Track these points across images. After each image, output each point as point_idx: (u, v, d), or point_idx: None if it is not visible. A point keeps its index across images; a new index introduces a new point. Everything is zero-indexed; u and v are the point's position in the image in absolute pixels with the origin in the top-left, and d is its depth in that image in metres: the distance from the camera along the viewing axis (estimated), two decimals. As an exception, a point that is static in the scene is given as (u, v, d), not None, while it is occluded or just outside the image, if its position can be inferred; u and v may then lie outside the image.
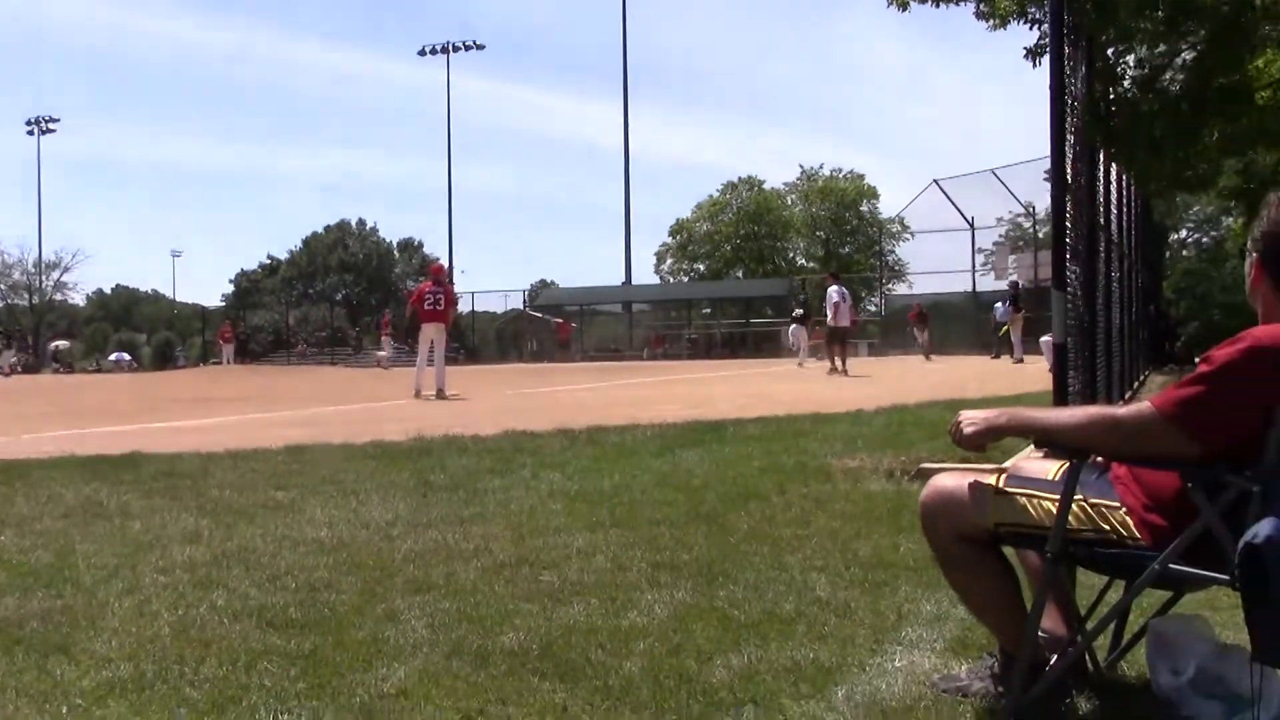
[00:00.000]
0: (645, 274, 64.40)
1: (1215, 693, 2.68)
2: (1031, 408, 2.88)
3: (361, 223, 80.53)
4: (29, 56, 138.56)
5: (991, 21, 9.80)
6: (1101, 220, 9.00)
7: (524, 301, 54.74)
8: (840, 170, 64.61)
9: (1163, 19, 7.89)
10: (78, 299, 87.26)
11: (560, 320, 50.11)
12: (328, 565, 4.54)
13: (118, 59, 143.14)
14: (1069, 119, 5.42)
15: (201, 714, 2.84)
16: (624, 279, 56.40)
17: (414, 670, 3.14)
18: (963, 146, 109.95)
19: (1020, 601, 2.85)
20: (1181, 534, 2.51)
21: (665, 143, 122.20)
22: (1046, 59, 5.54)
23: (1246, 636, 2.42)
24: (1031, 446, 2.79)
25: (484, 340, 52.25)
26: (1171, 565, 2.52)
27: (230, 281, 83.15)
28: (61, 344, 60.54)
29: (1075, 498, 2.65)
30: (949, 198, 38.89)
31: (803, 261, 62.81)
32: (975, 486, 2.80)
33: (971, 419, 2.74)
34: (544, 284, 68.84)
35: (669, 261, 66.24)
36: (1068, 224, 5.33)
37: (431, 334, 17.28)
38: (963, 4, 9.56)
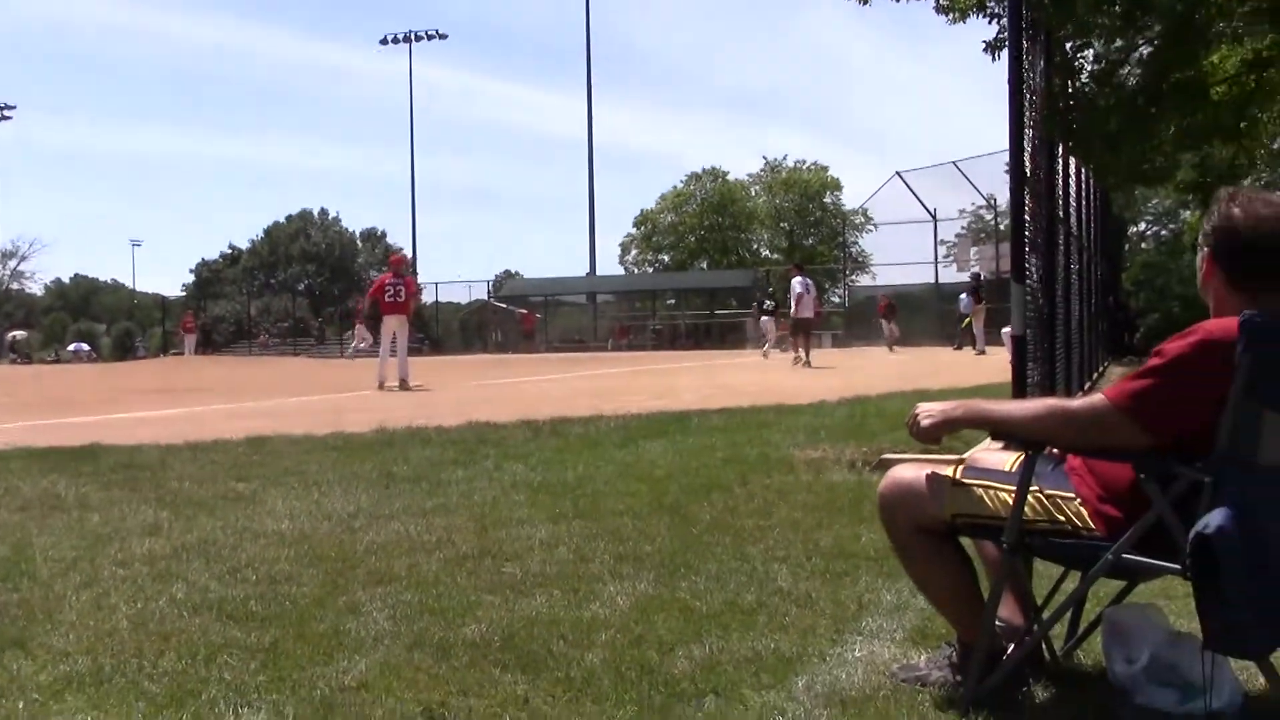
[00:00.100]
0: (610, 265, 64.30)
1: (1169, 680, 2.72)
2: (988, 400, 2.91)
3: (324, 212, 79.87)
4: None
5: (951, 15, 9.85)
6: (1061, 213, 9.08)
7: (488, 292, 54.46)
8: (804, 162, 64.79)
9: (1119, 14, 7.97)
10: (36, 289, 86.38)
11: (524, 311, 49.98)
12: (289, 557, 4.51)
13: (75, 47, 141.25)
14: (1027, 113, 5.46)
15: (160, 708, 2.81)
16: (588, 270, 56.39)
17: (375, 662, 3.13)
18: (926, 139, 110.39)
19: (977, 591, 2.88)
20: (1135, 524, 2.55)
21: (629, 133, 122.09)
22: (1005, 53, 5.57)
23: (1199, 625, 2.47)
24: (990, 438, 2.82)
25: (448, 331, 51.98)
26: (1125, 555, 2.56)
27: (191, 271, 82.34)
28: (19, 334, 59.60)
29: (1031, 489, 2.69)
30: (911, 190, 39.13)
31: (767, 253, 62.96)
32: (933, 478, 2.83)
33: (928, 412, 2.78)
34: (508, 275, 68.70)
35: (633, 252, 66.24)
36: (1027, 217, 5.39)
37: (393, 325, 17.22)
38: (922, -2, 9.62)
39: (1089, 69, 8.87)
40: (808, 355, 22.08)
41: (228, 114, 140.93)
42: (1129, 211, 37.02)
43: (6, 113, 73.01)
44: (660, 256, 65.17)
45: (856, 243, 52.74)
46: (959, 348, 28.81)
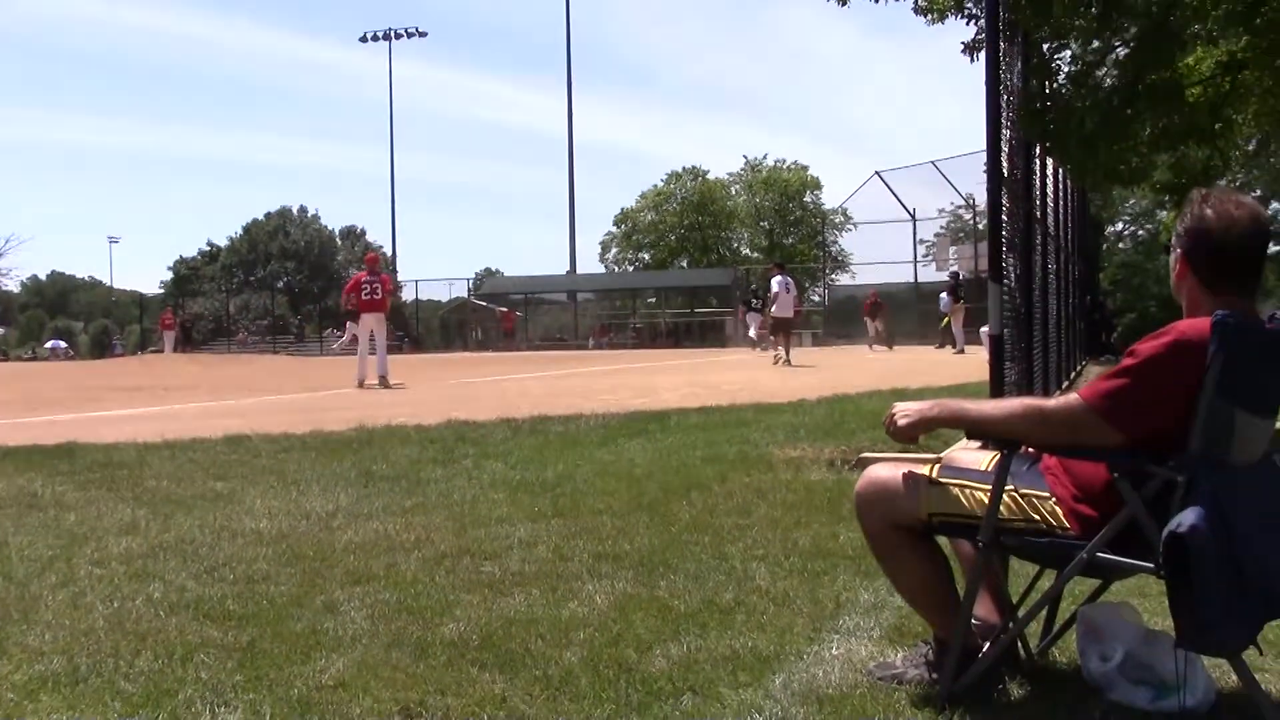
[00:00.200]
0: (590, 263, 64.29)
1: (1143, 678, 2.75)
2: (964, 399, 2.93)
3: (303, 210, 79.53)
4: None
5: (930, 16, 9.88)
6: (1038, 213, 9.14)
7: (468, 290, 54.34)
8: (784, 161, 64.82)
9: (1095, 16, 8.01)
10: (12, 285, 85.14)
11: (505, 309, 49.90)
12: (267, 557, 4.50)
13: (52, 41, 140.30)
14: (1005, 114, 5.49)
15: (136, 708, 2.81)
16: (569, 268, 56.27)
17: (353, 662, 3.13)
18: (905, 139, 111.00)
19: (953, 590, 2.90)
20: (1109, 523, 2.57)
21: (610, 131, 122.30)
22: (984, 54, 5.60)
23: (1173, 623, 2.49)
24: (966, 438, 2.84)
25: (428, 329, 51.89)
26: (1099, 554, 2.59)
27: (169, 268, 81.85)
28: (-6, 331, 59.26)
29: (1007, 488, 2.71)
30: (891, 189, 39.29)
31: (747, 251, 62.99)
32: (909, 477, 2.85)
33: (905, 411, 2.80)
34: (488, 273, 68.58)
35: (614, 251, 66.14)
36: (1004, 217, 5.42)
37: (371, 323, 17.16)
38: (900, -1, 9.63)
39: (1066, 70, 8.92)
40: (788, 354, 22.12)
41: (207, 110, 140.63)
42: (1106, 212, 37.30)
43: (-18, 108, 72.53)
44: (641, 255, 65.13)
45: (836, 242, 52.86)
46: (941, 346, 28.93)
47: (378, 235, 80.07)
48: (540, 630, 3.41)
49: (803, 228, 62.35)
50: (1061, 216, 13.25)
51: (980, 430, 2.75)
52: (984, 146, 5.13)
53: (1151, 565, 2.50)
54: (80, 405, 14.35)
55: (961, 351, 25.14)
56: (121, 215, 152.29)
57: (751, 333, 29.02)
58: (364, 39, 64.65)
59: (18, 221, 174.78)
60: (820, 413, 10.08)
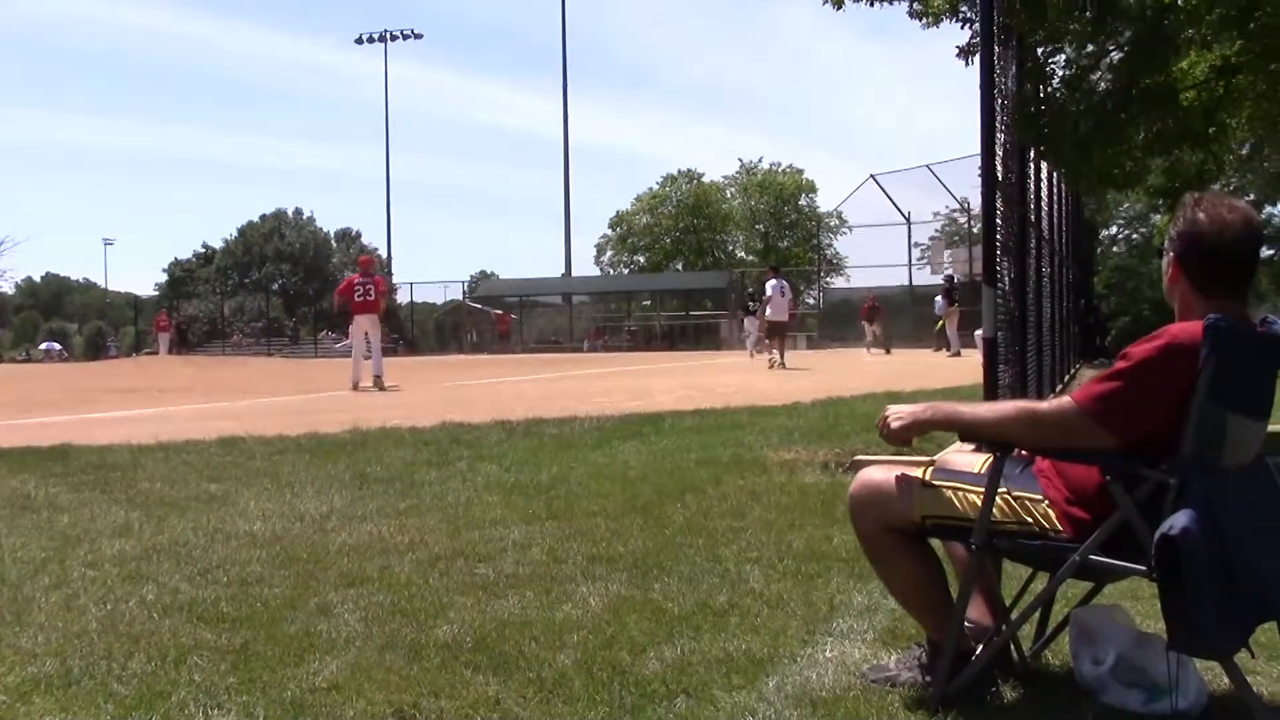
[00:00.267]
0: (585, 266, 64.32)
1: (1135, 681, 2.75)
2: (957, 402, 2.93)
3: (298, 212, 79.54)
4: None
5: (925, 20, 9.88)
6: (1032, 217, 9.15)
7: (463, 293, 54.36)
8: (779, 164, 64.86)
9: (1090, 20, 8.01)
10: (6, 287, 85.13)
11: (500, 312, 49.90)
12: (260, 559, 4.50)
13: (54, 42, 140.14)
14: (999, 117, 5.50)
15: (129, 710, 2.80)
16: (564, 271, 56.32)
17: (346, 664, 3.13)
18: (900, 142, 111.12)
19: (946, 592, 2.90)
20: (1101, 526, 2.58)
21: (605, 134, 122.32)
22: (978, 58, 5.61)
23: (1165, 626, 2.50)
24: (959, 440, 2.84)
25: (423, 331, 51.86)
26: (1091, 557, 2.59)
27: (164, 270, 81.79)
28: (-11, 333, 59.16)
29: (999, 491, 2.71)
30: (886, 193, 39.31)
31: (742, 254, 63.01)
32: (902, 479, 2.85)
33: (898, 414, 2.80)
34: (483, 275, 68.56)
35: (609, 253, 66.14)
36: (998, 220, 5.43)
37: (365, 325, 17.15)
38: (897, 2, 9.61)
39: (1060, 74, 8.92)
40: (782, 357, 22.13)
41: (202, 112, 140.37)
42: (1100, 215, 37.35)
43: (-24, 109, 72.43)
44: (636, 258, 65.15)
45: (831, 245, 52.91)
46: (937, 350, 28.96)
47: (373, 237, 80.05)
48: (534, 632, 3.41)
49: (798, 231, 62.38)
50: (1056, 220, 13.27)
51: (973, 433, 2.75)
52: (979, 150, 5.14)
53: (1144, 568, 2.50)
54: (74, 407, 14.33)
55: (957, 354, 25.16)
56: (116, 217, 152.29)
57: (750, 340, 28.96)
58: (360, 41, 64.84)
59: (12, 223, 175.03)
60: (814, 415, 10.09)
